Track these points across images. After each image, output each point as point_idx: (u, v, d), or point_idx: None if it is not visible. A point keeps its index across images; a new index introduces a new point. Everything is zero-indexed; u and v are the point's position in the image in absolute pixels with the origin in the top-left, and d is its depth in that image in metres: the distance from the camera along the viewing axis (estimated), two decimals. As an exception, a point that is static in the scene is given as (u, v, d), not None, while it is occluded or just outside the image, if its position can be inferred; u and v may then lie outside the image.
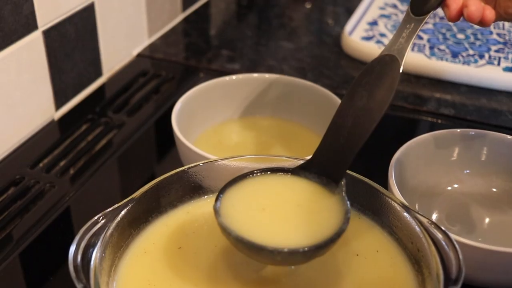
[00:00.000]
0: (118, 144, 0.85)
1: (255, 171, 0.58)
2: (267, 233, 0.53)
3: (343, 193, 0.56)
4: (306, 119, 0.83)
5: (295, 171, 0.59)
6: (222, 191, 0.57)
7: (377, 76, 0.60)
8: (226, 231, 0.53)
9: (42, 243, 0.71)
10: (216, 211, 0.54)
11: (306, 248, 0.51)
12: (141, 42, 1.07)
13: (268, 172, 0.59)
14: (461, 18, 0.65)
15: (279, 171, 0.59)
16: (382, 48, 1.01)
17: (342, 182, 0.57)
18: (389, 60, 0.61)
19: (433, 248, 0.53)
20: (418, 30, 0.63)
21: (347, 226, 0.53)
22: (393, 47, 0.62)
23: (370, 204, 0.60)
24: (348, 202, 0.55)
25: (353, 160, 0.57)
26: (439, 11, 1.16)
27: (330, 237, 0.52)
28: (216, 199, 0.55)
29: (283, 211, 0.56)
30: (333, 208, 0.56)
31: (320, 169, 0.58)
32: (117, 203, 0.57)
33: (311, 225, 0.54)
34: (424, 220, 0.55)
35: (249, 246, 0.52)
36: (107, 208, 0.56)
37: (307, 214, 0.55)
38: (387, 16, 1.14)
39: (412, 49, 1.02)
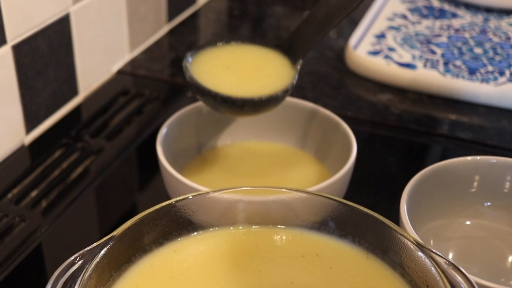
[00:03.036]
0: (96, 172, 0.85)
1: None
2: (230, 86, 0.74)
3: (297, 71, 0.76)
4: (306, 144, 0.84)
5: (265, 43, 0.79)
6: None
7: None
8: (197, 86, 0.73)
9: (10, 287, 0.70)
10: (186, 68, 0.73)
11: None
12: (121, 57, 1.07)
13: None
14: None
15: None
16: (391, 64, 1.02)
17: (300, 61, 0.77)
18: None
19: (451, 292, 0.53)
20: None
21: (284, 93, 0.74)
22: None
23: (379, 242, 0.60)
24: (296, 76, 0.76)
25: (315, 43, 0.77)
26: (454, 23, 1.16)
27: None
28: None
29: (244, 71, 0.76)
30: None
31: (287, 48, 0.78)
32: (95, 241, 0.57)
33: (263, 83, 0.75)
34: (441, 260, 0.55)
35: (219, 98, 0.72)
36: (84, 247, 0.56)
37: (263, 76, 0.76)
38: (396, 28, 1.14)
39: (425, 65, 1.03)
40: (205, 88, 0.73)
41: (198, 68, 0.75)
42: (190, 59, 0.75)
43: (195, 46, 0.77)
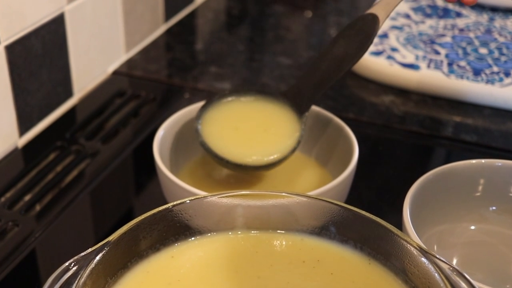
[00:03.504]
0: (91, 175, 0.85)
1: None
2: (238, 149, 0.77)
3: (303, 125, 0.78)
4: (307, 147, 0.84)
5: (272, 95, 0.80)
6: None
7: (357, 31, 0.77)
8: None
9: (3, 292, 0.70)
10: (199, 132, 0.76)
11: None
12: (117, 57, 1.07)
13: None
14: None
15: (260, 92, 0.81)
16: (394, 64, 1.02)
17: (306, 114, 0.78)
18: (370, 19, 0.77)
19: (455, 299, 0.53)
20: None
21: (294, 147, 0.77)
22: (379, 6, 0.78)
23: (381, 247, 0.60)
24: (303, 131, 0.78)
25: (319, 98, 0.79)
26: (458, 22, 1.17)
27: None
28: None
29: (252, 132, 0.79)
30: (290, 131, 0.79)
31: (292, 100, 0.79)
32: (90, 247, 0.57)
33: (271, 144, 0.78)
34: (445, 266, 0.55)
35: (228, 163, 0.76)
36: (79, 252, 0.56)
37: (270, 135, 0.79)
38: (399, 28, 1.15)
39: (428, 66, 1.03)
40: (218, 155, 0.76)
41: (208, 129, 0.78)
42: (200, 121, 0.77)
43: (204, 105, 0.78)
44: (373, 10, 0.78)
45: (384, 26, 1.14)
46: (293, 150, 0.77)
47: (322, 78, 0.77)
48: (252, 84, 1.03)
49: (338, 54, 0.77)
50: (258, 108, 0.80)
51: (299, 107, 0.78)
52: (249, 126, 0.79)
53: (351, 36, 0.77)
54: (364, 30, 0.77)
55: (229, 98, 0.80)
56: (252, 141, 0.78)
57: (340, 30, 0.78)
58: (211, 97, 0.79)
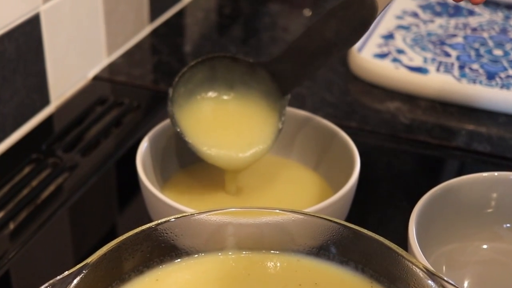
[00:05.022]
0: (70, 191, 0.86)
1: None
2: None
3: (284, 109, 0.80)
4: (304, 158, 0.84)
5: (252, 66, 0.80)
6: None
7: (352, 15, 0.75)
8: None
9: (-27, 319, 0.71)
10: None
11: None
12: (98, 61, 1.08)
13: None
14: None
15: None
16: (400, 68, 1.03)
17: (288, 96, 0.80)
18: (369, 4, 0.73)
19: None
20: None
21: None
22: None
23: (385, 269, 0.60)
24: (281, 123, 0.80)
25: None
26: (471, 21, 1.17)
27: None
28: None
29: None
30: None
31: (275, 74, 0.79)
32: (68, 269, 0.57)
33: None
34: (454, 290, 0.55)
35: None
36: (56, 275, 0.56)
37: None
38: (406, 28, 1.15)
39: (438, 69, 1.03)
40: (195, 150, 0.78)
41: (183, 116, 0.79)
42: (171, 95, 0.78)
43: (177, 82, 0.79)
44: None
45: (389, 26, 1.15)
46: (270, 146, 0.80)
47: (309, 60, 0.77)
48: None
49: (328, 37, 0.76)
50: (234, 101, 0.81)
51: (281, 86, 0.79)
52: (225, 121, 0.81)
53: (345, 19, 0.75)
54: (360, 16, 0.75)
55: (209, 93, 0.81)
56: (229, 137, 0.80)
57: (332, 8, 0.76)
58: (183, 71, 0.79)
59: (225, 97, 0.81)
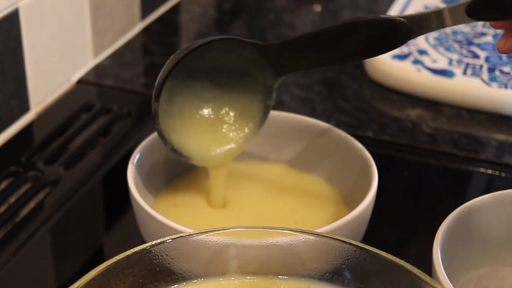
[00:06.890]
0: (52, 208, 0.86)
1: None
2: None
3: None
4: (315, 169, 0.84)
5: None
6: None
7: (379, 36, 0.74)
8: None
9: None
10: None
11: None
12: (84, 63, 1.08)
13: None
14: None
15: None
16: (422, 70, 1.03)
17: (283, 77, 0.80)
18: (405, 31, 0.72)
19: None
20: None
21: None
22: (418, 19, 0.72)
23: (406, 296, 0.61)
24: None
25: None
26: None
27: None
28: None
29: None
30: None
31: (274, 59, 0.79)
32: (51, 296, 0.57)
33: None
34: (483, 320, 0.56)
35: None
36: (37, 303, 0.57)
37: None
38: (429, 26, 1.15)
39: (464, 72, 1.03)
40: (176, 151, 0.79)
41: (167, 113, 0.80)
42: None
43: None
44: (410, 20, 0.73)
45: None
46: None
47: (314, 60, 0.78)
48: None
49: (344, 50, 0.76)
50: (220, 91, 0.83)
51: (277, 65, 0.79)
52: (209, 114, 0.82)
53: (370, 38, 0.74)
54: (388, 40, 0.74)
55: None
56: (213, 134, 0.82)
57: (355, 21, 0.74)
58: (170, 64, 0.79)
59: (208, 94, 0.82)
